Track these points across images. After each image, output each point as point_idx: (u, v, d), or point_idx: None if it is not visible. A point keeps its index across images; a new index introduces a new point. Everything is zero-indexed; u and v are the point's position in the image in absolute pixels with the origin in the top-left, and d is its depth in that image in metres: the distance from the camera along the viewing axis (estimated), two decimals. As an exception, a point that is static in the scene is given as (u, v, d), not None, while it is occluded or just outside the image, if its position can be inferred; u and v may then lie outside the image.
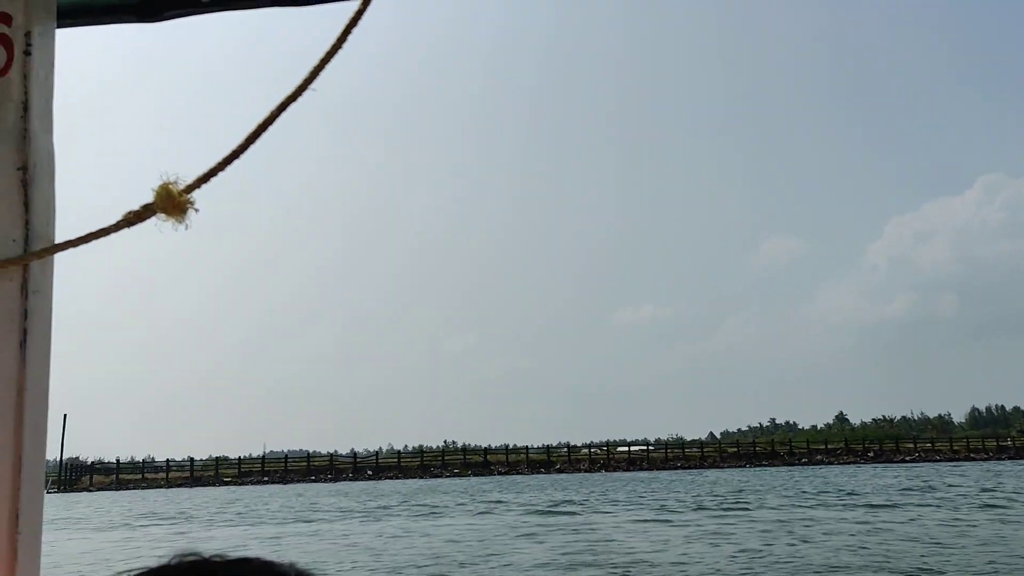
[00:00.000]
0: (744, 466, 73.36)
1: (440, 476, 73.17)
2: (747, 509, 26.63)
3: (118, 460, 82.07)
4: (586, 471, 73.73)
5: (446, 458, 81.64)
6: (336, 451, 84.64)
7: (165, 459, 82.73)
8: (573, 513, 27.64)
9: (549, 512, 28.14)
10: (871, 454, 77.00)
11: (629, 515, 26.04)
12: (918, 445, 79.86)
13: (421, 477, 73.30)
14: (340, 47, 1.62)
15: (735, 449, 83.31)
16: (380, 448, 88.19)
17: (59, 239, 1.52)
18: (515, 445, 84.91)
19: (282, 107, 1.62)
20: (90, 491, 69.50)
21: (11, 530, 1.31)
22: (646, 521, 23.80)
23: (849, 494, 32.39)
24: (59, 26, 1.60)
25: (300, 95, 1.61)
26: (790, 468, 68.64)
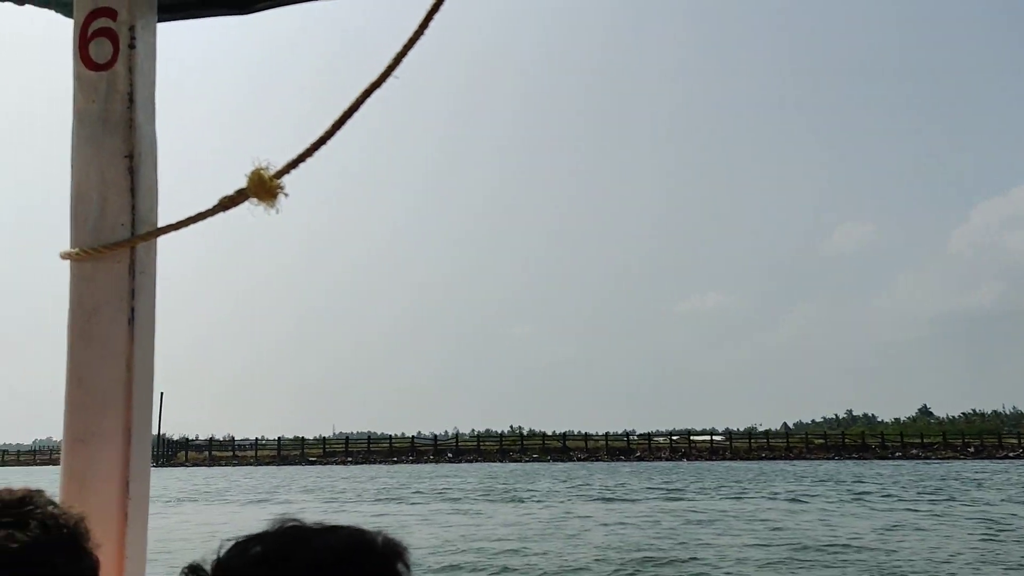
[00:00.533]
0: (833, 458, 71.08)
1: (519, 460, 73.78)
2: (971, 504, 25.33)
3: (211, 438, 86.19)
4: (667, 459, 73.02)
5: (525, 443, 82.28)
6: (402, 433, 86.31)
7: (244, 438, 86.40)
8: (762, 499, 27.03)
9: (737, 499, 27.61)
10: (971, 449, 73.38)
11: (828, 505, 25.26)
12: (1023, 441, 75.55)
13: (500, 461, 74.08)
14: (422, 33, 1.66)
15: (821, 440, 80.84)
16: (445, 432, 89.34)
17: (161, 223, 1.62)
18: (581, 432, 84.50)
19: (366, 94, 1.67)
20: (186, 466, 73.17)
21: (122, 497, 1.41)
22: (877, 510, 22.95)
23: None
24: (160, 20, 1.69)
25: (383, 81, 1.66)
26: (886, 461, 65.91)
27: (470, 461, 74.19)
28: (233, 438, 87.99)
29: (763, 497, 29.04)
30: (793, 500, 27.60)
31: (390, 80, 1.65)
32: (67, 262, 1.52)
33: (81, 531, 1.04)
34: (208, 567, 0.88)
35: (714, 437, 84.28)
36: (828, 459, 70.40)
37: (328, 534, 0.88)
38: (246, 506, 28.55)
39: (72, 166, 1.54)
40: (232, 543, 0.88)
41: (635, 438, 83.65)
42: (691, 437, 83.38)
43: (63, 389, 1.49)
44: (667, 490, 33.46)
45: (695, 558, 14.65)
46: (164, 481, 42.81)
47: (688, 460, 71.99)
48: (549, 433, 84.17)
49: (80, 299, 1.50)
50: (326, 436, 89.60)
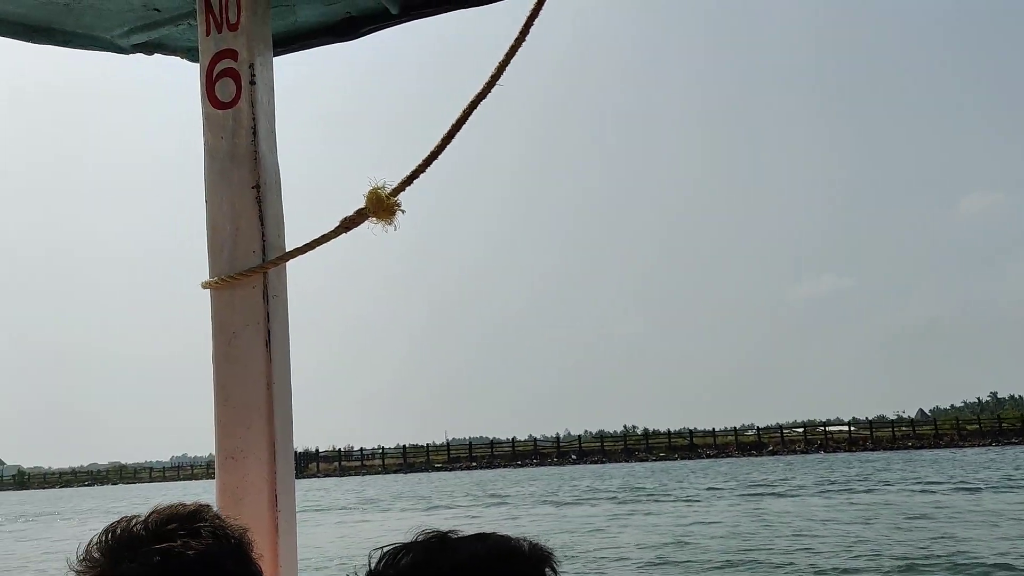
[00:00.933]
0: (991, 444, 66.28)
1: (645, 460, 72.93)
2: None
3: (339, 449, 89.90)
4: (801, 452, 70.23)
5: (650, 442, 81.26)
6: (514, 437, 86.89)
7: (359, 448, 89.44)
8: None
9: (972, 491, 26.01)
10: None
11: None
12: None
13: (626, 460, 73.46)
14: (523, 41, 1.69)
15: (975, 426, 75.55)
16: (556, 434, 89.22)
17: (288, 247, 1.72)
18: (698, 428, 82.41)
19: (473, 105, 1.72)
20: (318, 477, 76.70)
21: (272, 510, 1.51)
22: None
23: None
24: (275, 55, 1.80)
25: (488, 92, 1.70)
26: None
27: (595, 462, 73.92)
28: (358, 448, 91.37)
29: (1002, 487, 27.02)
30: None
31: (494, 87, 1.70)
32: (207, 291, 1.65)
33: (246, 541, 1.15)
34: None
35: (851, 427, 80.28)
36: (985, 445, 65.69)
37: (475, 542, 0.92)
38: (422, 512, 29.36)
39: (206, 200, 1.67)
40: (380, 553, 0.93)
41: (760, 432, 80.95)
42: (826, 428, 79.83)
43: (211, 408, 1.61)
44: (873, 481, 31.65)
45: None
46: (307, 492, 44.66)
47: (825, 452, 68.95)
48: (662, 431, 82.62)
49: (221, 325, 1.62)
50: (439, 443, 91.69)
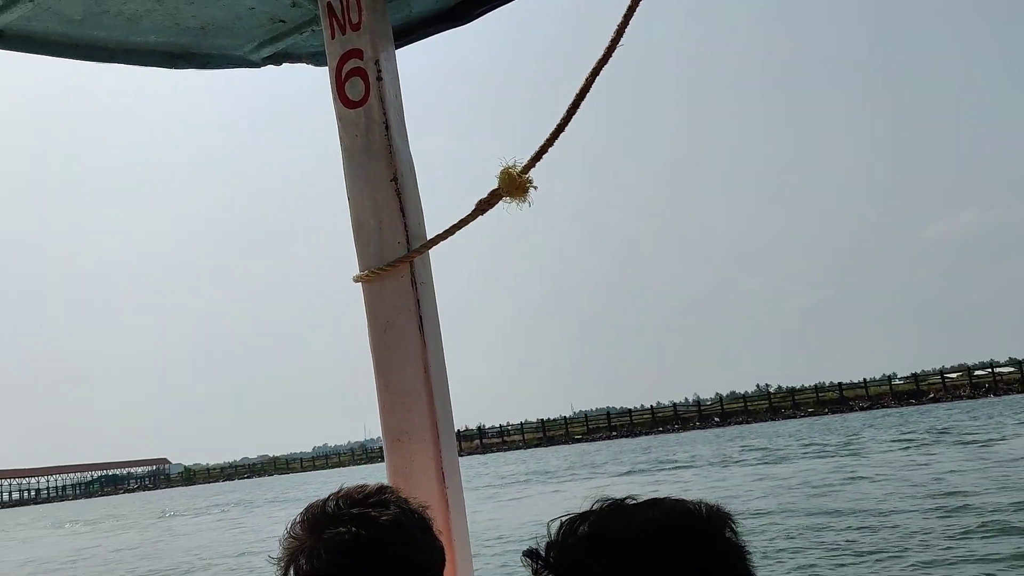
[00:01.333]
0: None
1: (794, 416, 70.71)
2: None
3: (480, 427, 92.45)
4: (967, 397, 65.93)
5: (796, 398, 78.68)
6: (641, 405, 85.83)
7: (491, 426, 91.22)
8: None
9: None
10: None
11: None
12: None
13: (772, 419, 71.49)
14: (637, 4, 1.68)
15: None
16: (685, 399, 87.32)
17: (429, 235, 1.80)
18: (833, 382, 78.21)
19: (595, 72, 1.73)
20: (461, 455, 78.96)
21: (441, 488, 1.60)
22: None
23: None
24: (396, 47, 1.88)
25: (609, 57, 1.70)
26: None
27: (739, 423, 72.39)
28: (481, 427, 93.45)
29: None
30: None
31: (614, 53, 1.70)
32: (359, 284, 1.75)
33: (428, 516, 1.26)
34: (541, 550, 0.97)
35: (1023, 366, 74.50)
36: None
37: (651, 508, 0.94)
38: (620, 477, 29.53)
39: (348, 198, 1.77)
40: (559, 523, 0.97)
41: (917, 378, 76.45)
42: (993, 369, 74.46)
43: (374, 395, 1.72)
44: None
45: None
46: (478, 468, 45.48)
47: (995, 395, 64.40)
48: (839, 382, 78.96)
49: (375, 316, 1.72)
50: (567, 416, 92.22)
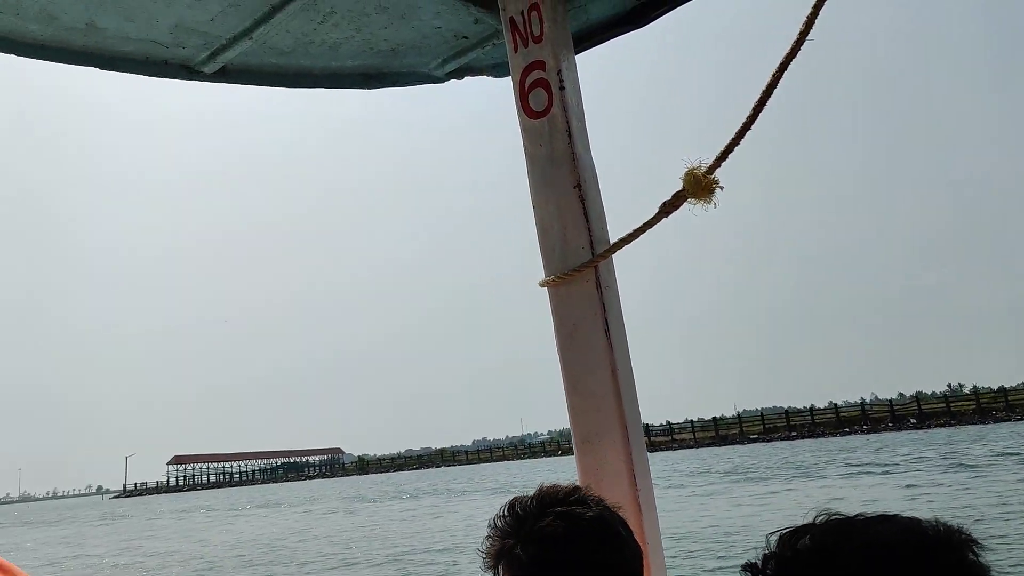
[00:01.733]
0: None
1: (1007, 420, 64.50)
2: None
3: (647, 425, 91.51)
4: None
5: (1010, 399, 71.71)
6: (814, 405, 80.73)
7: (688, 420, 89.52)
8: None
9: None
10: None
11: None
12: None
13: (981, 422, 65.58)
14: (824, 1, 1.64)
15: None
16: (861, 398, 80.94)
17: (612, 239, 1.86)
18: None
19: (782, 68, 1.72)
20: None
21: (632, 489, 1.66)
22: None
23: None
24: (576, 53, 1.95)
25: (797, 52, 1.69)
26: None
27: (941, 425, 66.97)
28: (666, 423, 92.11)
29: None
30: None
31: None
32: (545, 289, 1.84)
33: (622, 516, 1.33)
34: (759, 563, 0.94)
35: None
36: None
37: (880, 525, 0.87)
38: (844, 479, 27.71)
39: (533, 206, 1.86)
40: (778, 536, 0.93)
41: None
42: None
43: (563, 397, 1.81)
44: None
45: None
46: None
47: None
48: (1009, 388, 71.33)
49: (561, 319, 1.80)
50: (728, 416, 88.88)
